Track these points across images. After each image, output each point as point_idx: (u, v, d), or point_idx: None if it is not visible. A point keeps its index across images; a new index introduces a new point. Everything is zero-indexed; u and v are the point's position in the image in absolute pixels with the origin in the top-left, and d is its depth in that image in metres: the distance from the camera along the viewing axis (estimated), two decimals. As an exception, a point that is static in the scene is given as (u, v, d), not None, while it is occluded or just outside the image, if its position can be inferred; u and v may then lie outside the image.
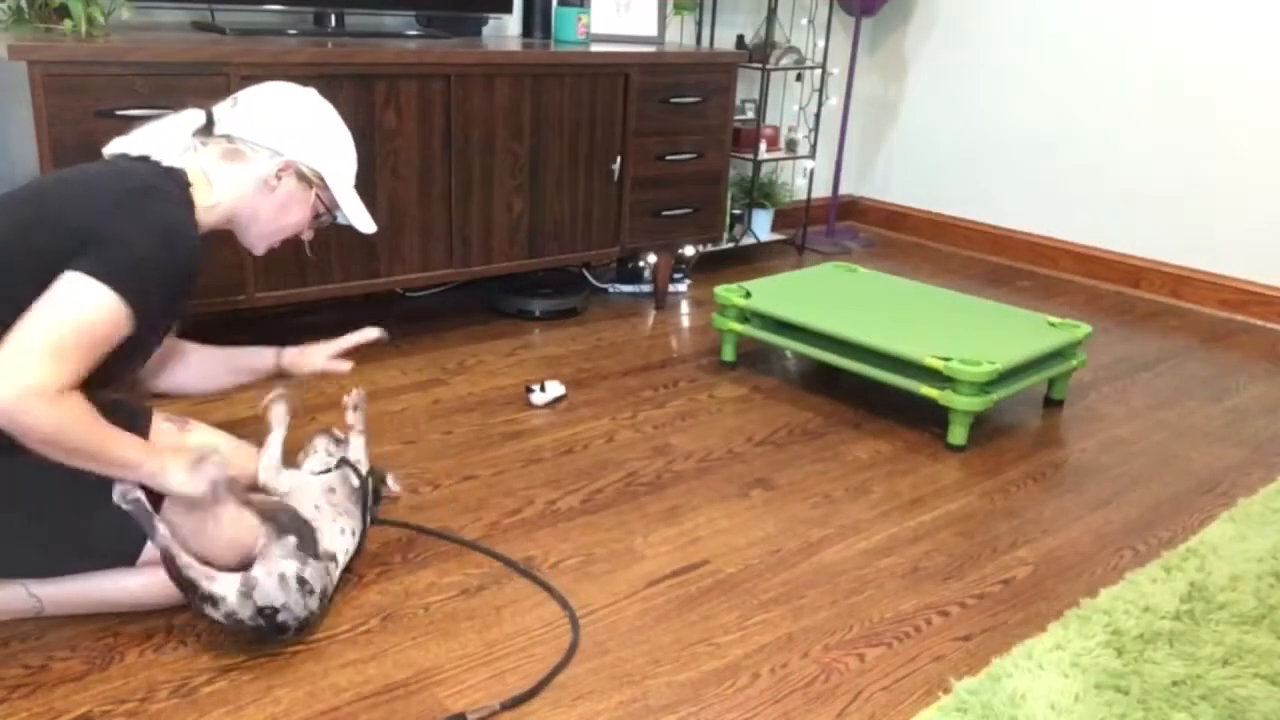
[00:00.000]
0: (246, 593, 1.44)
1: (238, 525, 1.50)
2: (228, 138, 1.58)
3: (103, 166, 1.50)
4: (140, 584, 1.52)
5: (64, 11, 2.22)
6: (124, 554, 1.50)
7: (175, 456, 1.44)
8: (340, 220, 1.73)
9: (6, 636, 1.50)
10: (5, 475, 1.41)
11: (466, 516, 1.90)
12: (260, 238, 1.65)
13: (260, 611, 1.44)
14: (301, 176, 1.62)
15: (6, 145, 2.26)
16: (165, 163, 1.54)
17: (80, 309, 1.33)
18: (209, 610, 1.43)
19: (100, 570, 1.51)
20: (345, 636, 1.55)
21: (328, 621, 1.58)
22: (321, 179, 1.65)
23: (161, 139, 1.58)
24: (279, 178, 1.60)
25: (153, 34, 2.37)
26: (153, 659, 1.47)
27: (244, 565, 1.49)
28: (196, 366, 1.84)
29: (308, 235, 1.72)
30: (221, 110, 1.62)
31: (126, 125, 2.09)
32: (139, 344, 1.47)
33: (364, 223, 1.72)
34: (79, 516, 1.44)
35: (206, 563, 1.47)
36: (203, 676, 1.44)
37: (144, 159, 1.54)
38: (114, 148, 1.58)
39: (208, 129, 1.60)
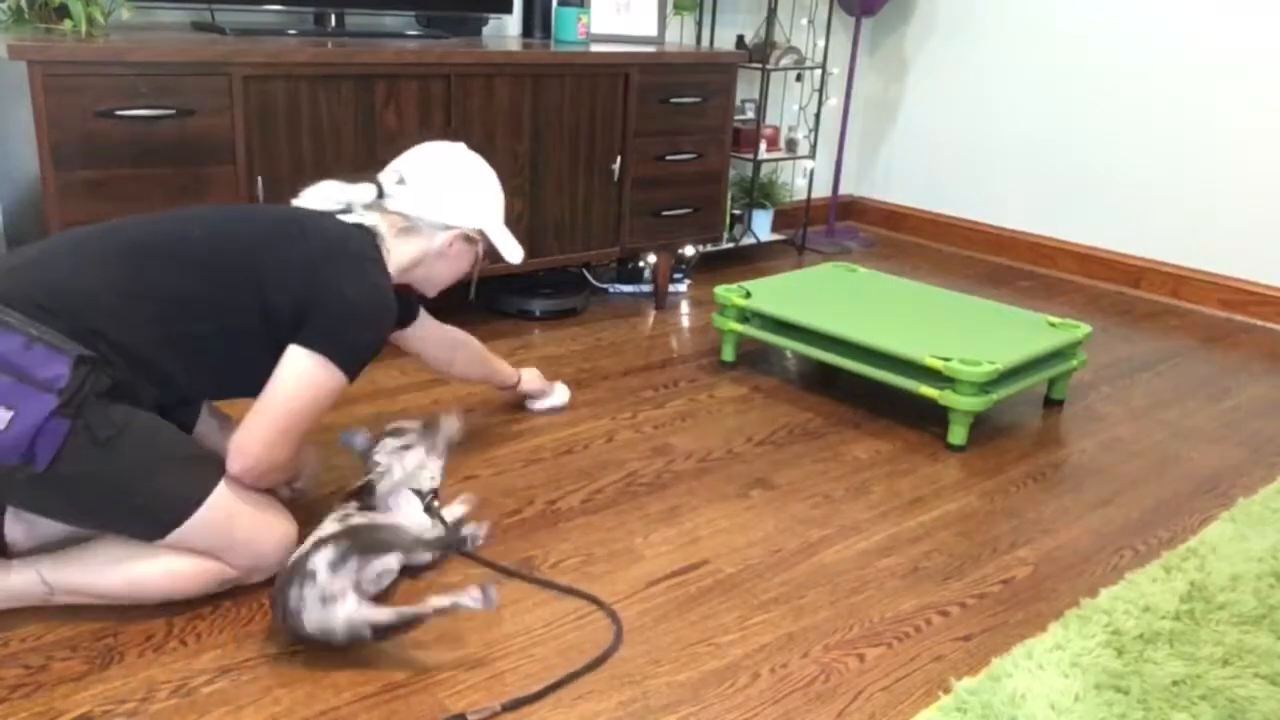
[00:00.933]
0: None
1: (261, 529, 1.58)
2: (403, 216, 1.74)
3: (311, 226, 1.63)
4: (152, 569, 1.52)
5: (64, 11, 2.22)
6: (162, 522, 1.48)
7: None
8: (512, 260, 1.88)
9: (7, 637, 1.50)
10: (101, 420, 1.41)
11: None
12: (435, 287, 1.86)
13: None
14: (469, 239, 1.80)
15: (6, 145, 2.26)
16: (360, 220, 1.69)
17: (315, 388, 1.55)
18: (292, 592, 1.44)
19: (131, 538, 1.51)
20: (345, 636, 1.55)
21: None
22: (484, 235, 1.82)
23: (357, 204, 1.72)
24: (455, 243, 1.78)
25: (153, 34, 2.37)
26: (153, 659, 1.47)
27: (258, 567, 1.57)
28: (435, 343, 2.10)
29: (470, 277, 1.90)
30: (389, 183, 1.76)
31: (126, 125, 2.10)
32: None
33: (515, 254, 1.87)
34: (145, 471, 1.46)
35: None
36: (203, 676, 1.44)
37: (345, 212, 1.70)
38: (308, 202, 1.72)
39: (379, 202, 1.74)
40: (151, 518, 1.48)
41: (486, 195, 1.82)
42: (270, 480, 1.60)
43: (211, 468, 1.54)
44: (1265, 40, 3.23)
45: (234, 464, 1.53)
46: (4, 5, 2.29)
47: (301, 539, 1.58)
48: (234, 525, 1.54)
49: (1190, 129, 3.45)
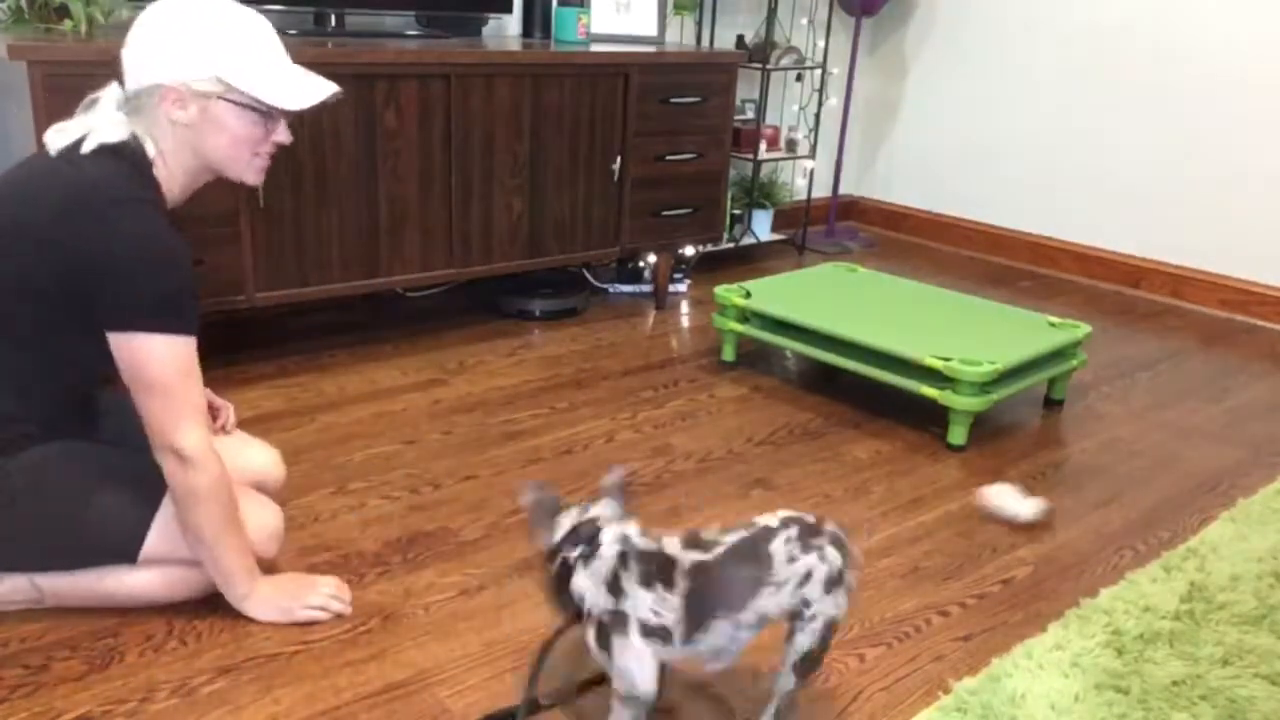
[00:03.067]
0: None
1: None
2: (130, 97, 1.45)
3: (61, 177, 1.40)
4: (142, 580, 1.52)
5: (64, 11, 2.22)
6: (124, 552, 1.49)
7: (269, 590, 1.56)
8: (284, 106, 1.49)
9: (6, 637, 1.50)
10: (9, 472, 1.43)
11: (467, 516, 1.90)
12: (229, 166, 1.51)
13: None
14: (202, 93, 1.43)
15: (7, 145, 2.26)
16: (112, 139, 1.42)
17: (166, 363, 1.38)
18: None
19: (101, 566, 1.51)
20: (345, 636, 1.55)
21: (328, 621, 1.58)
22: (222, 82, 1.43)
23: (98, 117, 1.45)
24: (178, 107, 1.43)
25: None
26: (153, 659, 1.47)
27: None
28: None
29: (283, 137, 1.53)
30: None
31: (126, 125, 2.10)
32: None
33: (298, 99, 1.48)
34: (80, 514, 1.45)
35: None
36: (203, 676, 1.44)
37: (96, 150, 1.41)
38: (58, 143, 1.44)
39: (124, 97, 1.47)
40: (112, 549, 1.47)
41: (218, 34, 1.43)
42: (214, 474, 1.44)
43: (151, 482, 1.46)
44: (1265, 40, 3.23)
45: (169, 468, 1.42)
46: (4, 5, 2.29)
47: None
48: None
49: (1190, 129, 3.44)
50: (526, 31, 3.16)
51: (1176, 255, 3.55)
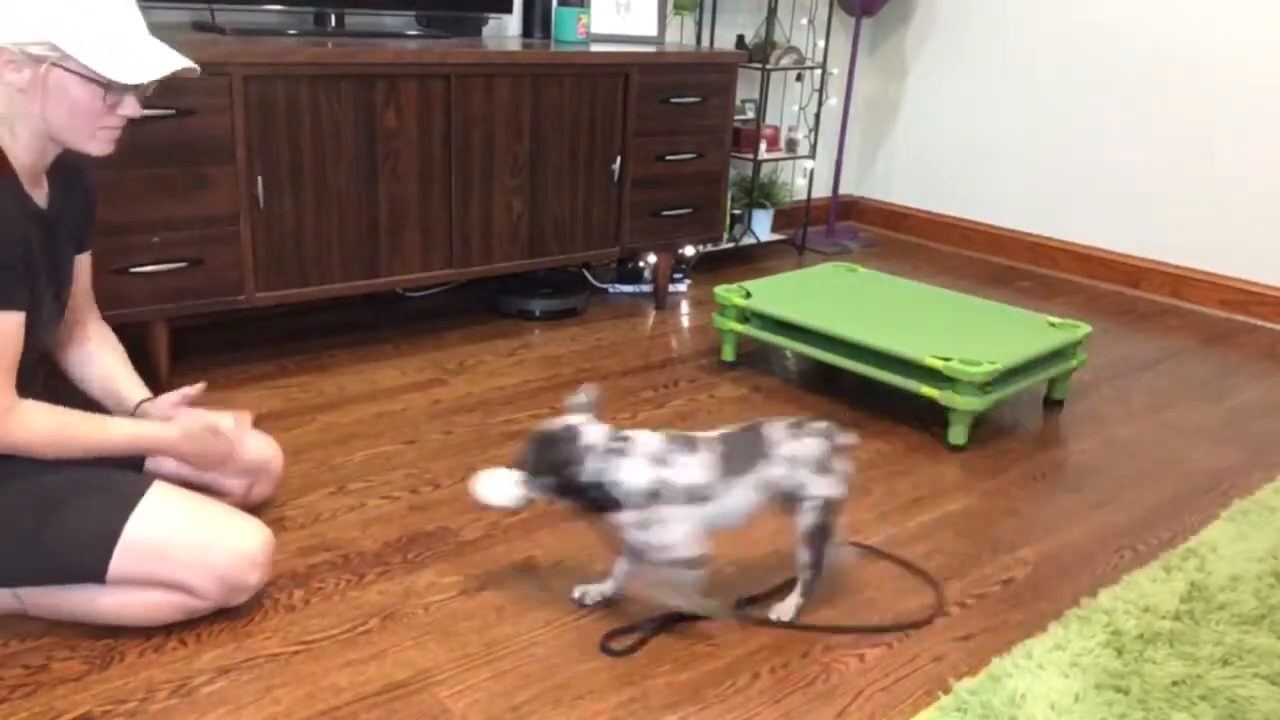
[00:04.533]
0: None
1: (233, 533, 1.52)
2: None
3: None
4: (112, 603, 1.49)
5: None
6: (92, 573, 1.45)
7: (186, 421, 1.56)
8: (119, 80, 1.39)
9: (6, 637, 1.50)
10: None
11: (467, 516, 1.90)
12: (70, 136, 1.42)
13: None
14: (36, 58, 1.34)
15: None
16: None
17: None
18: None
19: (72, 584, 1.48)
20: (345, 636, 1.55)
21: (328, 621, 1.58)
22: (57, 48, 1.34)
23: None
24: (11, 70, 1.35)
25: (153, 34, 2.36)
26: (153, 659, 1.47)
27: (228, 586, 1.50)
28: (83, 367, 1.69)
29: (130, 110, 1.44)
30: None
31: (126, 125, 2.10)
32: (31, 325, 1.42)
33: (134, 73, 1.38)
34: (47, 533, 1.42)
35: (177, 586, 1.49)
36: (203, 676, 1.44)
37: None
38: None
39: None
40: (81, 569, 1.44)
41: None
42: (30, 431, 1.40)
43: (121, 497, 1.45)
44: (1265, 41, 3.23)
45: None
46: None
47: None
48: (169, 551, 1.45)
49: (1190, 129, 3.44)
50: (526, 31, 3.16)
51: (1176, 255, 3.55)
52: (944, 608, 1.68)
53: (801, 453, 1.54)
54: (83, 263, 1.64)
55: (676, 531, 1.49)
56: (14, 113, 1.38)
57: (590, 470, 1.48)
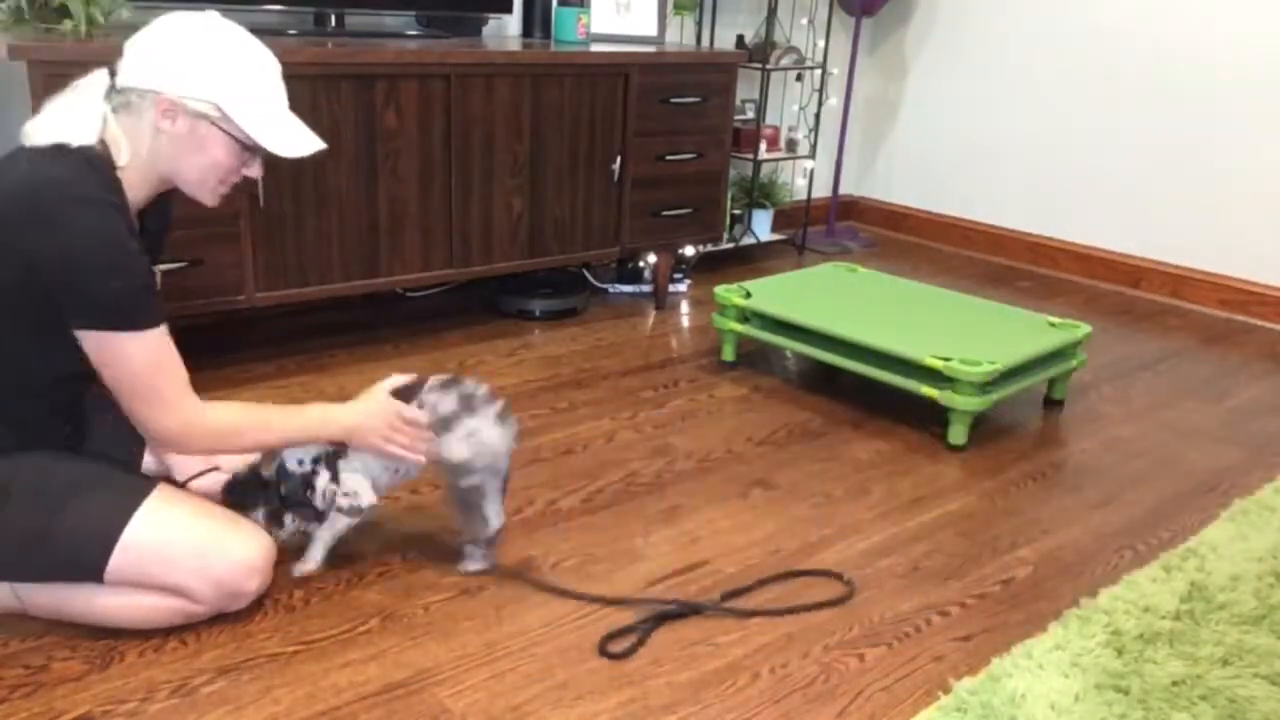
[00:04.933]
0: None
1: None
2: (121, 91, 1.45)
3: (21, 175, 1.39)
4: (111, 605, 1.49)
5: (64, 11, 2.22)
6: (91, 571, 1.45)
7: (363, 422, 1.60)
8: (274, 150, 1.51)
9: (6, 637, 1.50)
10: None
11: (466, 516, 1.90)
12: (195, 186, 1.52)
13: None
14: (196, 113, 1.45)
15: (7, 145, 2.26)
16: (76, 143, 1.41)
17: (132, 359, 1.41)
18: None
19: (71, 582, 1.48)
20: (345, 636, 1.55)
21: (328, 621, 1.58)
22: (219, 109, 1.45)
23: (75, 113, 1.45)
24: (168, 119, 1.44)
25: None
26: (153, 659, 1.47)
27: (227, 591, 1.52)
28: None
29: (255, 173, 1.56)
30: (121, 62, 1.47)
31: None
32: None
33: (287, 146, 1.51)
34: (48, 528, 1.42)
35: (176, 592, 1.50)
36: (203, 676, 1.44)
37: (58, 149, 1.41)
38: (31, 138, 1.43)
39: (113, 88, 1.46)
40: (79, 567, 1.45)
41: (223, 63, 1.45)
42: (209, 432, 1.49)
43: (123, 498, 1.46)
44: (1265, 41, 3.23)
45: (169, 447, 1.52)
46: (4, 5, 2.29)
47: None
48: (168, 555, 1.46)
49: (1190, 129, 3.44)
50: (526, 31, 3.17)
51: (1176, 255, 3.55)
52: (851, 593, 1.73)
53: (440, 409, 1.64)
54: None
55: (356, 482, 1.65)
56: (147, 157, 1.47)
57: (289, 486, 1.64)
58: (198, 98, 1.44)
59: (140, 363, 1.41)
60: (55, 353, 1.42)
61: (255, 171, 1.56)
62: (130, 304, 1.39)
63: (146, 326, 1.41)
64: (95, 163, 1.41)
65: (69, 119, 1.43)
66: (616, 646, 1.56)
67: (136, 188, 1.48)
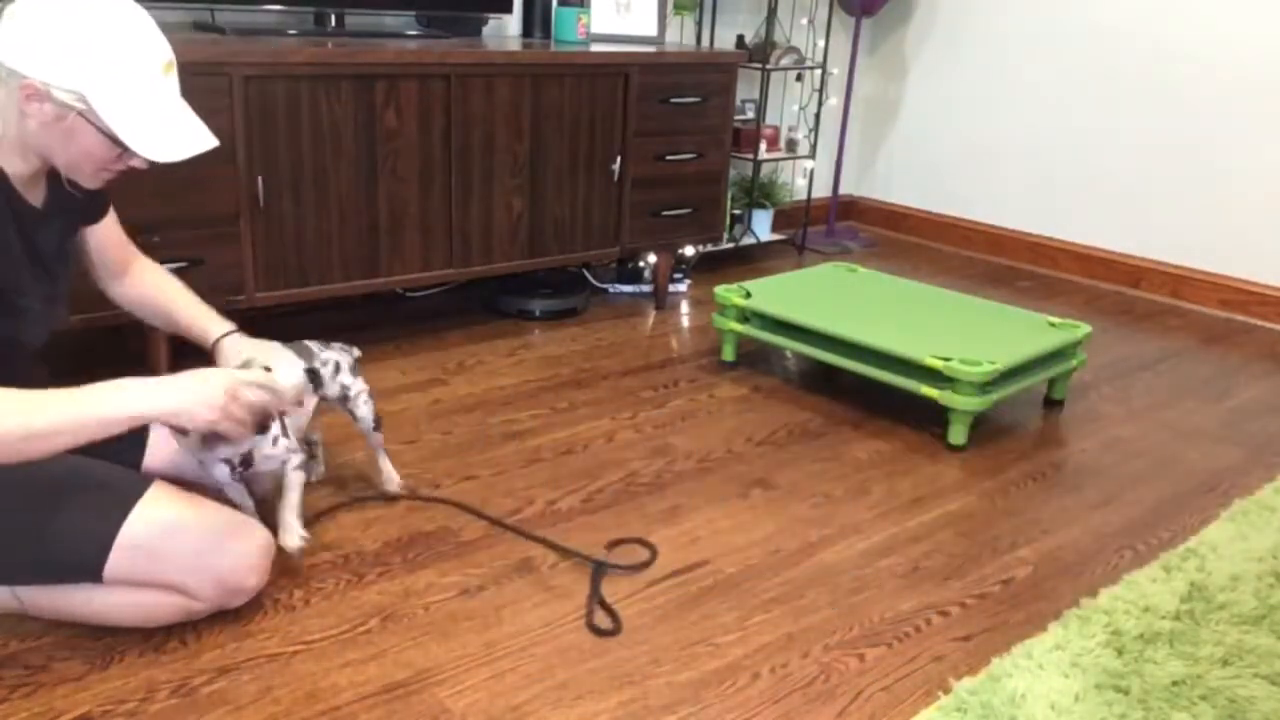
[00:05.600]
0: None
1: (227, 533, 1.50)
2: None
3: None
4: (110, 604, 1.48)
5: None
6: (89, 571, 1.44)
7: (176, 379, 1.35)
8: (144, 154, 1.38)
9: (6, 636, 1.50)
10: None
11: (467, 516, 1.90)
12: (69, 170, 1.42)
13: None
14: (61, 103, 1.32)
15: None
16: None
17: None
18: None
19: (69, 584, 1.47)
20: (345, 636, 1.55)
21: (328, 621, 1.58)
22: (86, 102, 1.33)
23: None
24: (34, 103, 1.32)
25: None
26: (153, 659, 1.47)
27: (226, 590, 1.51)
28: (141, 297, 1.72)
29: (138, 164, 1.43)
30: None
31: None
32: (10, 308, 1.40)
33: (160, 149, 1.38)
34: (44, 529, 1.42)
35: (175, 587, 1.49)
36: (203, 676, 1.44)
37: None
38: None
39: None
40: (77, 567, 1.43)
41: (100, 49, 1.32)
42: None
43: (120, 497, 1.44)
44: (1265, 41, 3.23)
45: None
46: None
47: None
48: (167, 553, 1.45)
49: (1190, 129, 3.44)
50: (526, 31, 3.17)
51: (1176, 255, 3.55)
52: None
53: (337, 360, 1.85)
54: (99, 230, 1.64)
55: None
56: (21, 134, 1.37)
57: None
58: (63, 86, 1.31)
59: None
60: None
61: (139, 163, 1.42)
62: None
63: None
64: None
65: None
66: (601, 623, 1.56)
67: (16, 160, 1.39)
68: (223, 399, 1.35)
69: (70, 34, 1.31)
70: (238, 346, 1.68)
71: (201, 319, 1.71)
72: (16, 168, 1.40)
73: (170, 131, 1.39)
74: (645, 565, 1.78)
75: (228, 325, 1.71)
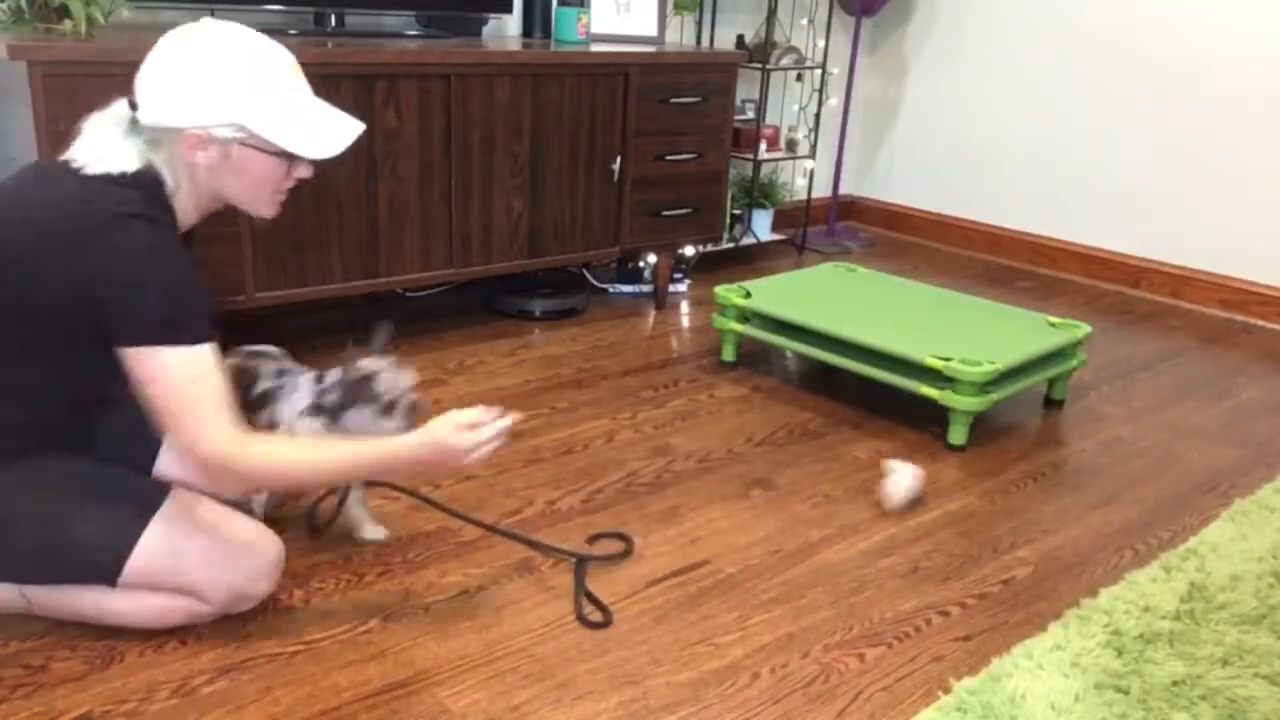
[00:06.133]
0: None
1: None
2: (145, 128, 1.42)
3: (71, 203, 1.37)
4: (119, 607, 1.49)
5: (64, 11, 2.22)
6: (103, 575, 1.45)
7: (430, 434, 1.48)
8: (309, 156, 1.48)
9: (6, 637, 1.50)
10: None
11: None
12: (249, 205, 1.51)
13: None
14: (224, 140, 1.41)
15: (7, 145, 2.26)
16: (121, 169, 1.40)
17: (187, 378, 1.37)
18: None
19: (82, 585, 1.48)
20: (345, 636, 1.55)
21: (328, 621, 1.58)
22: (245, 129, 1.41)
23: (114, 144, 1.42)
24: (199, 150, 1.41)
25: (153, 34, 2.36)
26: (153, 659, 1.47)
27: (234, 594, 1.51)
28: None
29: (305, 173, 1.51)
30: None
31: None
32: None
33: (324, 146, 1.47)
34: (62, 532, 1.42)
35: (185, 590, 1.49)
36: (203, 676, 1.44)
37: (106, 174, 1.39)
38: (76, 163, 1.41)
39: (134, 121, 1.43)
40: (92, 571, 1.44)
41: (239, 77, 1.40)
42: (254, 462, 1.42)
43: (139, 504, 1.46)
44: (1266, 41, 3.23)
45: (199, 473, 1.52)
46: (4, 5, 2.29)
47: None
48: (182, 561, 1.46)
49: (1190, 129, 3.44)
50: (526, 31, 3.17)
51: (1177, 255, 3.55)
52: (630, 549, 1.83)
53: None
54: None
55: None
56: (190, 185, 1.45)
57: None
58: (220, 123, 1.40)
59: (179, 378, 1.36)
60: (98, 365, 1.39)
61: (305, 172, 1.51)
62: (175, 316, 1.37)
63: (190, 342, 1.38)
64: (142, 184, 1.40)
65: (111, 148, 1.41)
66: (593, 616, 1.56)
67: (188, 211, 1.48)
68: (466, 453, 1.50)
69: (206, 73, 1.39)
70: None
71: None
72: (189, 219, 1.49)
73: (324, 128, 1.48)
74: (624, 556, 1.79)
75: None
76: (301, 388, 1.69)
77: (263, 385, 1.71)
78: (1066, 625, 1.65)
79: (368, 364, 1.66)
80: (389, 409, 1.64)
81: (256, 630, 1.55)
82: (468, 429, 1.48)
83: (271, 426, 1.67)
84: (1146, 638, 1.63)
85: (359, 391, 1.63)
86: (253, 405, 1.68)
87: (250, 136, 1.42)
